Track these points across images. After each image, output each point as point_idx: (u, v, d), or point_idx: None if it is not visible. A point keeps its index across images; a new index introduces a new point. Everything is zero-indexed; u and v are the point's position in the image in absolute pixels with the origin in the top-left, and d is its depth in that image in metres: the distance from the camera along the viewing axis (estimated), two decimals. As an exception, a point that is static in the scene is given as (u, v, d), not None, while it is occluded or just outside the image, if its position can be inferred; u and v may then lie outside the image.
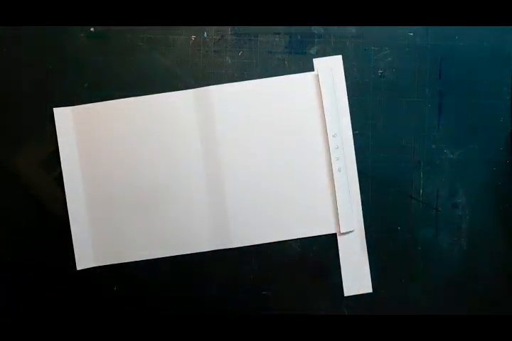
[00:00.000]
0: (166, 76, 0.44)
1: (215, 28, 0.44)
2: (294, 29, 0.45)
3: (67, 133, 0.43)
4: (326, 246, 0.45)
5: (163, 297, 0.44)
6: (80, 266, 0.43)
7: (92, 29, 0.44)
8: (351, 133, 0.44)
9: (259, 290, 0.44)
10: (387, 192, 0.45)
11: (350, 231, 0.44)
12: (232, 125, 0.44)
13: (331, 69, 0.44)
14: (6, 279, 0.44)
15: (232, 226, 0.44)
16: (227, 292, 0.44)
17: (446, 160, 0.45)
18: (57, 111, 0.43)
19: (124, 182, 0.43)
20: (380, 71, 0.45)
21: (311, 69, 0.45)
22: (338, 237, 0.44)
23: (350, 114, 0.45)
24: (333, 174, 0.44)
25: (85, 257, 0.43)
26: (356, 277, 0.45)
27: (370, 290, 0.45)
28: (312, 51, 0.45)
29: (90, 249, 0.43)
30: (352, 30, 0.45)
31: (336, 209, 0.44)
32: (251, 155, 0.44)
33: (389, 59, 0.45)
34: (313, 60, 0.44)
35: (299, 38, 0.45)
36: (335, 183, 0.44)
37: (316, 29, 0.45)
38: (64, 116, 0.43)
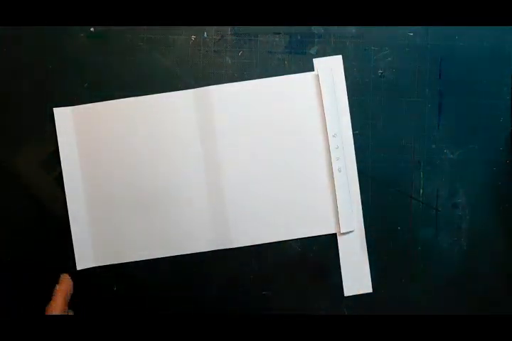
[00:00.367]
0: (166, 76, 0.44)
1: (215, 28, 0.44)
2: (294, 29, 0.45)
3: (67, 133, 0.43)
4: (326, 246, 0.45)
5: (163, 297, 0.44)
6: (80, 266, 0.43)
7: (92, 29, 0.44)
8: (351, 133, 0.44)
9: (259, 290, 0.44)
10: (387, 192, 0.45)
11: (350, 232, 0.44)
12: (232, 125, 0.44)
13: (331, 69, 0.44)
14: (6, 279, 0.44)
15: (232, 227, 0.44)
16: (227, 292, 0.44)
17: (446, 160, 0.45)
18: (57, 111, 0.43)
19: (124, 182, 0.43)
20: (380, 71, 0.45)
21: (311, 69, 0.45)
22: (338, 237, 0.44)
23: (350, 114, 0.45)
24: (333, 174, 0.44)
25: (85, 257, 0.43)
26: (356, 277, 0.45)
27: (370, 290, 0.45)
28: (312, 51, 0.45)
29: (90, 249, 0.43)
30: (352, 30, 0.45)
31: (336, 209, 0.44)
32: (251, 155, 0.44)
33: (389, 59, 0.45)
34: (313, 60, 0.44)
35: (299, 38, 0.45)
36: (335, 183, 0.44)
37: (316, 29, 0.45)
38: (64, 116, 0.43)
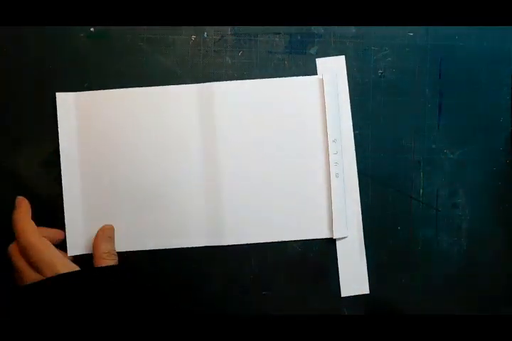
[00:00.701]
0: (166, 76, 0.44)
1: (215, 28, 0.44)
2: (294, 29, 0.45)
3: (67, 119, 0.43)
4: (326, 246, 0.45)
5: (162, 297, 0.44)
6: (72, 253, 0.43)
7: (92, 29, 0.44)
8: (353, 138, 0.44)
9: (259, 290, 0.44)
10: (387, 192, 0.45)
11: (344, 237, 0.44)
12: (233, 123, 0.44)
13: (336, 74, 0.44)
14: (6, 279, 0.44)
15: (228, 223, 0.44)
16: (226, 292, 0.44)
17: (446, 160, 0.45)
18: (60, 96, 0.43)
19: (121, 174, 0.43)
20: (380, 71, 0.45)
21: (311, 69, 0.44)
22: (337, 241, 0.44)
23: (351, 114, 0.45)
24: (330, 179, 0.44)
25: (77, 245, 0.43)
26: (354, 278, 0.44)
27: (367, 291, 0.45)
28: (312, 51, 0.45)
29: (83, 239, 0.43)
30: (352, 30, 0.45)
31: (331, 214, 0.44)
32: (250, 154, 0.44)
33: (389, 59, 0.45)
34: (316, 60, 0.44)
35: (299, 38, 0.45)
36: (331, 189, 0.44)
37: (316, 29, 0.45)
38: (66, 102, 0.43)
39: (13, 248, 0.39)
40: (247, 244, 0.44)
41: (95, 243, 0.41)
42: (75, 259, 0.42)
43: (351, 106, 0.45)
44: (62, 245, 0.42)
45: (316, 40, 0.45)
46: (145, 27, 0.44)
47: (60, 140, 0.43)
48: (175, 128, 0.43)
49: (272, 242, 0.44)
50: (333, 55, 0.45)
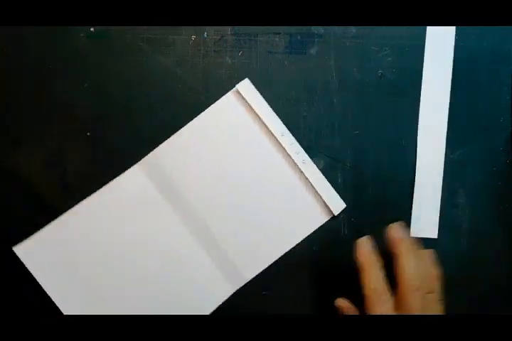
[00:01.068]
0: (166, 76, 0.44)
1: (215, 28, 0.44)
2: (294, 29, 0.45)
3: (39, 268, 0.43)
4: (326, 246, 0.45)
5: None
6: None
7: (92, 29, 0.44)
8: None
9: (259, 290, 0.44)
10: (387, 192, 0.45)
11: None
12: (192, 174, 0.43)
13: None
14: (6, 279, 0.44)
15: (238, 262, 0.44)
16: (227, 292, 0.44)
17: (446, 160, 0.45)
18: (19, 250, 0.43)
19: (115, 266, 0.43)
20: (380, 71, 0.45)
21: (311, 69, 0.44)
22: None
23: (351, 114, 0.45)
24: (300, 168, 0.44)
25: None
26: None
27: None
28: (312, 51, 0.45)
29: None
30: (352, 30, 0.45)
31: (320, 197, 0.44)
32: (225, 193, 0.44)
33: (389, 59, 0.45)
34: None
35: (299, 38, 0.45)
36: (307, 176, 0.44)
37: (316, 29, 0.45)
38: (29, 254, 0.43)
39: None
40: (247, 244, 0.44)
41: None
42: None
43: (351, 106, 0.45)
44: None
45: (316, 40, 0.45)
46: (145, 27, 0.44)
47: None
48: (145, 216, 0.43)
49: (272, 242, 0.44)
50: (333, 55, 0.45)
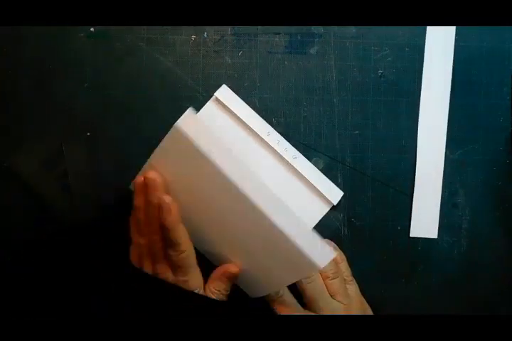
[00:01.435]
0: (166, 76, 0.44)
1: (215, 28, 0.44)
2: (294, 29, 0.45)
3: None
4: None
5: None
6: None
7: (92, 29, 0.44)
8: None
9: (259, 290, 0.44)
10: (387, 192, 0.45)
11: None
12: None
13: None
14: (6, 279, 0.44)
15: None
16: (227, 292, 0.44)
17: (446, 160, 0.45)
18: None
19: None
20: (380, 71, 0.45)
21: (311, 69, 0.44)
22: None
23: (351, 114, 0.45)
24: (291, 164, 0.44)
25: None
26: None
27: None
28: (312, 51, 0.45)
29: None
30: (352, 30, 0.45)
31: (316, 189, 0.44)
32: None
33: (389, 59, 0.45)
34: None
35: (298, 38, 0.45)
36: (298, 169, 0.44)
37: (316, 29, 0.45)
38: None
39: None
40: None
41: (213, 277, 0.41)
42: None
43: (351, 106, 0.45)
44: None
45: (316, 40, 0.45)
46: (145, 27, 0.44)
47: None
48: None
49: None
50: (333, 55, 0.45)
